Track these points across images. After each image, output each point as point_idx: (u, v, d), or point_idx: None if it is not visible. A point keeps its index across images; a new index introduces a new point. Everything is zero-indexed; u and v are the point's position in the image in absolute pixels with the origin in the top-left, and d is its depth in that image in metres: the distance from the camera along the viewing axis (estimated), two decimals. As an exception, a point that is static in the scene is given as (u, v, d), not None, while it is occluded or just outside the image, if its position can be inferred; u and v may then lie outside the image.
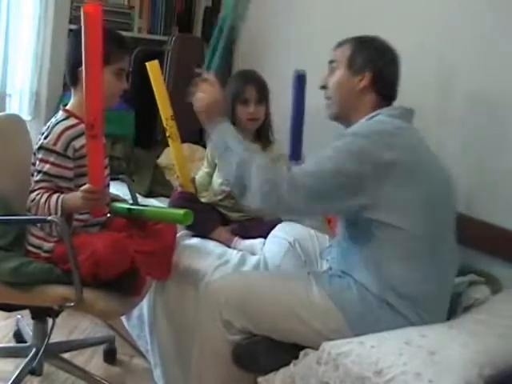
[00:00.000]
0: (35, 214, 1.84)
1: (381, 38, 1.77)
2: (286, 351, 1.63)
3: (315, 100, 1.85)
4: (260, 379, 1.65)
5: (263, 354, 1.65)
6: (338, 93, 1.75)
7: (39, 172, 1.86)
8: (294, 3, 2.89)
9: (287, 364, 1.61)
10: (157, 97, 2.25)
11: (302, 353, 1.61)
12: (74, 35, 1.96)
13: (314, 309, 1.61)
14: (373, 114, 1.69)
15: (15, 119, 2.21)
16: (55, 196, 1.82)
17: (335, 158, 1.56)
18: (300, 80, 2.24)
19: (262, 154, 1.61)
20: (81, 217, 1.93)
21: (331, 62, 1.79)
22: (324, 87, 1.79)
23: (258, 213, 1.65)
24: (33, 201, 1.84)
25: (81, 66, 1.80)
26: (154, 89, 2.25)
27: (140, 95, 3.20)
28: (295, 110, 2.26)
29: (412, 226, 1.58)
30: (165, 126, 2.27)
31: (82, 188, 1.78)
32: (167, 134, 2.27)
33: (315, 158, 1.60)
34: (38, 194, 1.83)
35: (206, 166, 2.50)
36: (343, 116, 1.76)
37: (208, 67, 1.71)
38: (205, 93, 1.74)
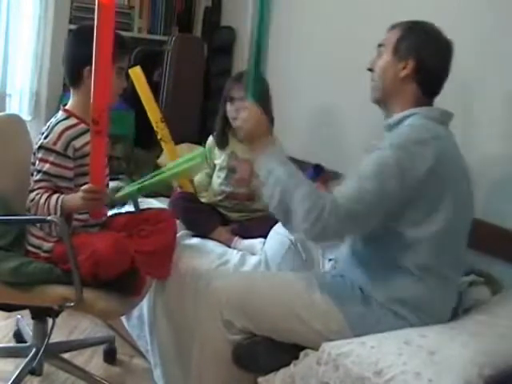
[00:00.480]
0: (34, 214, 1.84)
1: (435, 25, 1.69)
2: (286, 351, 1.63)
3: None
4: (260, 379, 1.65)
5: (263, 354, 1.65)
6: (382, 78, 1.70)
7: (39, 171, 1.86)
8: (294, 4, 2.88)
9: (287, 364, 1.61)
10: (143, 102, 2.27)
11: (302, 353, 1.61)
12: (74, 35, 1.96)
13: (314, 309, 1.61)
14: (410, 111, 1.64)
15: (15, 119, 2.21)
16: (55, 196, 1.82)
17: (376, 178, 1.51)
18: (316, 171, 2.28)
19: (307, 180, 1.56)
20: (80, 217, 1.92)
21: (380, 45, 1.73)
22: (370, 70, 1.74)
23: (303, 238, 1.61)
24: (32, 200, 1.84)
25: (84, 66, 1.82)
26: (140, 94, 2.26)
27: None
28: None
29: (431, 239, 1.56)
30: (155, 128, 2.27)
31: (83, 188, 1.78)
32: (159, 137, 2.28)
33: (355, 180, 1.54)
34: (37, 194, 1.83)
35: (205, 167, 2.50)
36: (384, 101, 1.71)
37: (247, 93, 1.70)
38: (248, 117, 1.68)
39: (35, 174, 1.88)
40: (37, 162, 1.87)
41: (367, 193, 1.50)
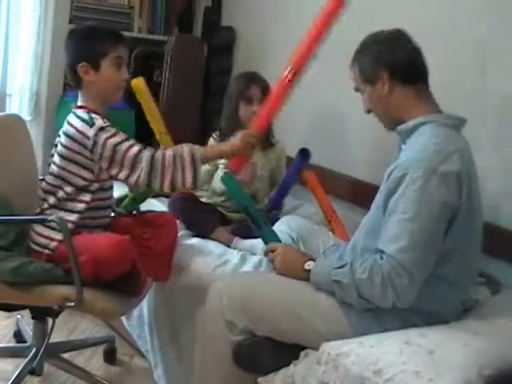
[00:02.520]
0: (161, 172, 1.77)
1: (372, 32, 1.72)
2: (286, 352, 1.63)
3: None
4: (260, 379, 1.65)
5: (264, 355, 1.65)
6: (378, 109, 1.71)
7: (118, 144, 1.80)
8: (292, 5, 2.89)
9: (287, 364, 1.61)
10: (147, 114, 2.24)
11: (302, 353, 1.61)
12: (67, 36, 1.97)
13: (316, 310, 1.61)
14: (421, 119, 1.61)
15: (15, 119, 2.21)
16: (178, 147, 1.81)
17: (422, 217, 1.47)
18: (302, 155, 2.33)
19: (350, 268, 1.55)
20: (87, 222, 1.93)
21: (356, 89, 1.75)
22: (369, 112, 1.75)
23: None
24: (152, 161, 1.77)
25: (78, 63, 1.85)
26: (143, 106, 2.23)
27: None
28: (291, 174, 2.36)
29: (449, 252, 1.55)
30: (159, 140, 2.26)
31: (245, 131, 1.84)
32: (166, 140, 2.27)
33: (396, 227, 1.50)
34: (148, 153, 1.79)
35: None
36: (396, 123, 1.69)
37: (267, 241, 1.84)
38: (280, 257, 1.72)
39: (116, 149, 1.79)
40: (109, 141, 1.79)
41: (421, 235, 1.48)
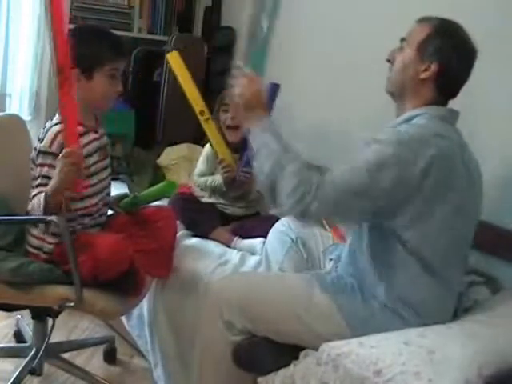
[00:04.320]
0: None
1: (463, 29, 1.63)
2: (286, 352, 1.63)
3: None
4: (260, 379, 1.65)
5: (263, 355, 1.65)
6: (400, 73, 1.65)
7: (38, 176, 1.83)
8: (292, 5, 2.88)
9: (287, 365, 1.61)
10: (184, 88, 2.18)
11: (302, 353, 1.61)
12: (73, 33, 1.96)
13: (314, 310, 1.60)
14: (418, 111, 1.61)
15: (15, 119, 2.21)
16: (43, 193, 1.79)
17: (369, 173, 1.48)
18: (273, 90, 2.27)
19: (299, 157, 1.54)
20: (84, 220, 1.92)
21: (403, 39, 1.67)
22: (389, 61, 1.69)
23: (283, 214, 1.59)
24: (33, 205, 1.80)
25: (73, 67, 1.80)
26: (180, 81, 2.18)
27: (140, 95, 3.22)
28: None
29: (434, 242, 1.55)
30: (198, 114, 2.21)
31: (60, 156, 1.72)
32: (205, 117, 2.22)
33: (348, 169, 1.51)
34: (34, 199, 1.80)
35: (203, 162, 2.51)
36: (398, 96, 1.67)
37: (251, 64, 1.70)
38: (244, 87, 1.66)
39: (36, 179, 1.84)
40: (37, 169, 1.84)
41: (357, 185, 1.48)
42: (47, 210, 1.74)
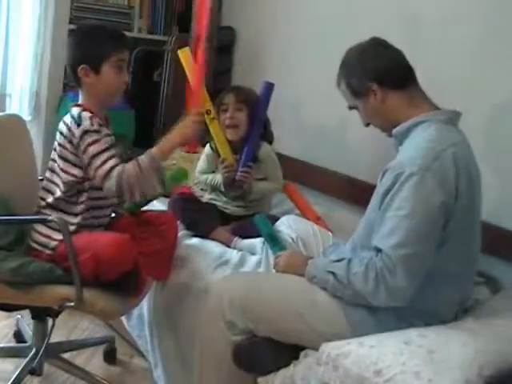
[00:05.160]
0: (130, 190, 1.79)
1: (350, 48, 1.73)
2: (286, 352, 1.63)
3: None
4: (260, 379, 1.65)
5: (263, 355, 1.65)
6: (376, 119, 1.72)
7: (99, 152, 1.81)
8: (292, 5, 2.89)
9: (287, 365, 1.61)
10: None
11: (302, 353, 1.61)
12: (70, 36, 1.97)
13: (316, 310, 1.60)
14: (416, 119, 1.61)
15: (15, 119, 2.21)
16: (140, 157, 1.82)
17: (417, 214, 1.47)
18: (267, 89, 2.32)
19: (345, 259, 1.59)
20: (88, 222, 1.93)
21: (350, 108, 1.76)
22: (368, 124, 1.76)
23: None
24: (119, 179, 1.78)
25: (78, 65, 1.85)
26: (189, 78, 2.20)
27: (140, 95, 3.21)
28: (258, 116, 2.35)
29: (447, 249, 1.55)
30: (204, 114, 2.22)
31: (186, 117, 1.88)
32: (211, 117, 2.26)
33: (391, 223, 1.49)
34: (117, 171, 1.79)
35: (203, 160, 2.51)
36: (391, 129, 1.69)
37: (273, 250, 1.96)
38: (283, 257, 1.80)
39: (94, 159, 1.80)
40: (89, 148, 1.81)
41: (415, 232, 1.47)
42: (151, 169, 1.80)
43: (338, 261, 1.60)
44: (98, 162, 1.81)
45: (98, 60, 1.88)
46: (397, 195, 1.50)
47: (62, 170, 1.89)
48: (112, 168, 1.81)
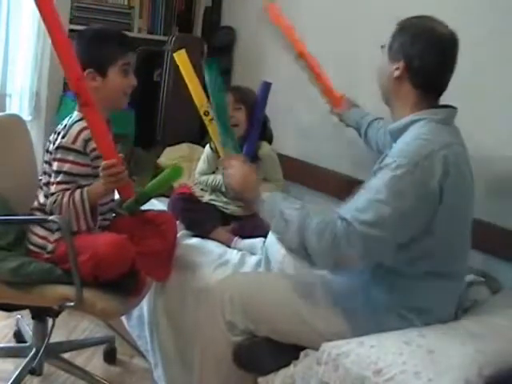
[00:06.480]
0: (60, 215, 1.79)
1: (429, 20, 1.62)
2: (286, 352, 1.63)
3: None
4: (260, 379, 1.65)
5: (263, 355, 1.65)
6: (379, 79, 1.69)
7: (58, 172, 1.83)
8: (292, 6, 2.88)
9: (287, 365, 1.61)
10: (190, 88, 2.20)
11: (302, 353, 1.61)
12: (75, 38, 1.96)
13: (317, 310, 1.61)
14: (413, 117, 1.60)
15: (15, 119, 2.21)
16: (78, 191, 1.80)
17: (390, 201, 1.46)
18: (265, 89, 2.32)
19: (315, 207, 1.55)
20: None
21: (382, 46, 1.70)
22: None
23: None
24: (54, 202, 1.80)
25: (84, 69, 1.81)
26: (186, 80, 2.20)
27: (140, 95, 3.21)
28: (257, 115, 2.35)
29: (441, 248, 1.55)
30: (202, 114, 2.22)
31: (100, 167, 1.74)
32: (210, 118, 2.24)
33: (366, 202, 1.48)
34: (58, 196, 1.81)
35: (203, 161, 2.51)
36: (386, 101, 1.69)
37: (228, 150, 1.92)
38: (235, 169, 1.71)
39: (53, 175, 1.84)
40: (55, 163, 1.84)
41: (384, 218, 1.46)
42: (87, 207, 1.78)
43: (297, 209, 1.56)
44: (55, 179, 1.83)
45: (104, 64, 1.88)
46: (381, 178, 1.49)
47: (52, 170, 1.88)
48: (53, 193, 1.82)
